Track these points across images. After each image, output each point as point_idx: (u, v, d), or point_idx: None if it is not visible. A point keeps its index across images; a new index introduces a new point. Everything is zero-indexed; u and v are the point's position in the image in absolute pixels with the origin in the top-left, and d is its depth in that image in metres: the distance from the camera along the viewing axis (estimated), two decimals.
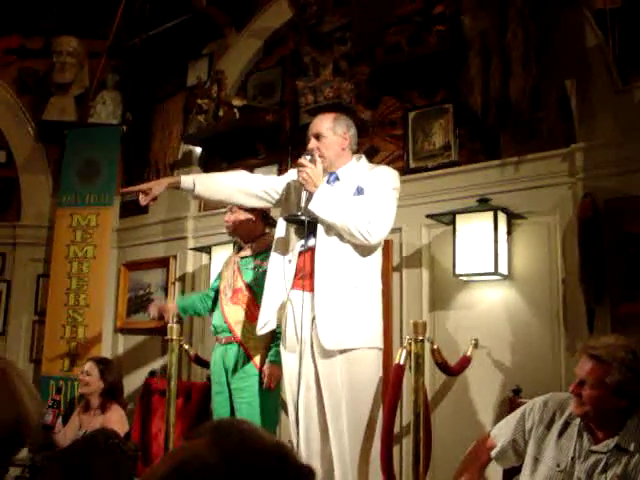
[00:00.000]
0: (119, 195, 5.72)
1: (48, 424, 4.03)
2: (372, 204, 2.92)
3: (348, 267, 2.93)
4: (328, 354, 2.89)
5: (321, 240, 2.95)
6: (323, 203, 2.89)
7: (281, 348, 3.15)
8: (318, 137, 3.10)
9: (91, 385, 4.05)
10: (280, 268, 3.09)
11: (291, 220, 3.07)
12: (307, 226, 2.97)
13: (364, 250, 2.95)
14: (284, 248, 3.12)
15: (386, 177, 3.06)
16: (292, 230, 3.11)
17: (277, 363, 3.46)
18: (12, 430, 1.30)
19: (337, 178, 3.10)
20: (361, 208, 2.89)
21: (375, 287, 3.02)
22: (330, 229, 2.93)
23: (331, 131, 3.10)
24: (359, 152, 3.34)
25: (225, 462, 0.79)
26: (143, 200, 3.18)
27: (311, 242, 3.00)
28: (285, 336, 3.08)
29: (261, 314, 3.14)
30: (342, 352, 2.89)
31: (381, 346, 3.02)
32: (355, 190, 3.00)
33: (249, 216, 3.74)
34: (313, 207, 2.89)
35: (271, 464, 0.81)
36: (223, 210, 4.05)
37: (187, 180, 3.23)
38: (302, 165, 2.96)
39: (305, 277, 2.99)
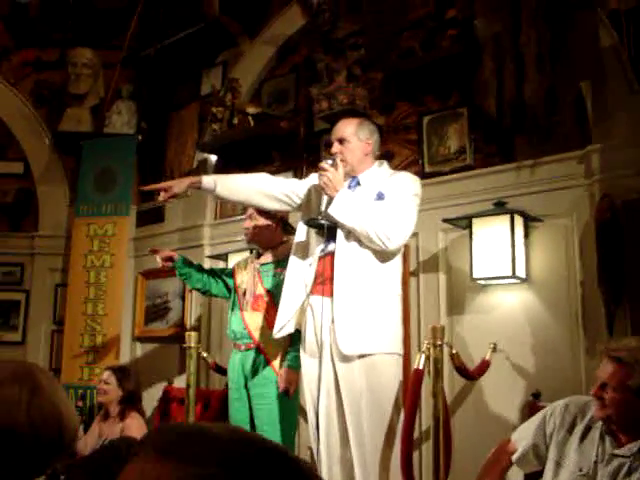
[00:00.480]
0: (136, 204, 5.76)
1: None
2: (392, 210, 2.91)
3: (367, 272, 2.92)
4: (347, 359, 2.89)
5: (341, 245, 2.94)
6: (343, 208, 2.88)
7: (301, 353, 3.14)
8: (342, 141, 3.10)
9: (109, 394, 4.07)
10: (299, 272, 3.08)
11: (311, 224, 3.06)
12: (327, 231, 2.98)
13: (384, 256, 2.94)
14: (304, 252, 3.12)
15: (407, 183, 3.05)
16: (312, 234, 3.11)
17: (293, 368, 3.47)
18: (54, 434, 1.32)
19: (358, 183, 3.09)
20: (381, 214, 2.88)
21: (394, 293, 3.00)
22: (350, 234, 2.92)
23: (355, 136, 3.09)
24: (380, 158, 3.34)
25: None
26: (162, 197, 3.20)
27: (331, 247, 2.99)
28: (305, 341, 3.08)
29: (278, 318, 3.14)
30: (361, 357, 2.88)
31: (401, 352, 3.00)
32: (376, 195, 2.99)
33: (268, 222, 3.74)
34: (333, 211, 2.89)
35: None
36: (239, 217, 4.06)
37: (208, 180, 3.23)
38: (323, 169, 2.94)
39: (325, 282, 2.98)
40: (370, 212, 2.89)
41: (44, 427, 1.30)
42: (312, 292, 3.03)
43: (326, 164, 2.96)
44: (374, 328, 2.89)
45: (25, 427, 1.28)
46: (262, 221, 3.74)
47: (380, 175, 3.11)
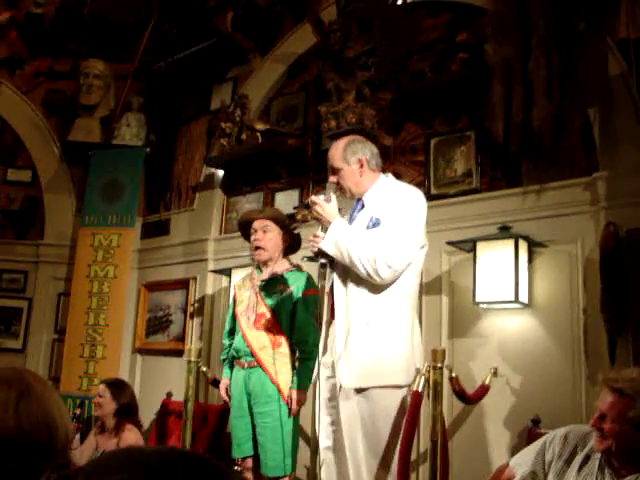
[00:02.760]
0: (141, 216, 5.79)
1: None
2: (385, 239, 2.80)
3: (360, 305, 2.84)
4: (346, 391, 2.86)
5: (336, 278, 2.91)
6: (332, 242, 2.83)
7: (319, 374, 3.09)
8: (335, 171, 3.07)
9: (104, 407, 4.06)
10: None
11: (313, 259, 3.04)
12: (327, 264, 2.93)
13: (376, 286, 2.84)
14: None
15: (404, 202, 2.91)
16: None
17: (302, 389, 3.47)
18: (44, 439, 1.32)
19: (363, 206, 3.02)
20: (371, 247, 2.78)
21: (394, 321, 2.86)
22: (345, 267, 2.88)
23: (344, 163, 3.01)
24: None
25: None
26: None
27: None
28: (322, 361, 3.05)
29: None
30: (358, 391, 2.83)
31: (401, 383, 2.85)
32: (369, 221, 2.91)
33: (282, 237, 3.77)
34: (323, 246, 2.84)
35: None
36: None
37: None
38: (313, 203, 2.91)
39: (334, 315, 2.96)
40: (360, 246, 2.79)
41: (33, 431, 1.30)
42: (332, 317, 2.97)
43: (316, 198, 2.91)
44: (371, 361, 2.80)
45: (12, 430, 1.28)
46: (277, 234, 3.75)
47: (383, 191, 3.01)
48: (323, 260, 2.91)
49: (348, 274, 2.88)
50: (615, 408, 2.10)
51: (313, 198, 2.92)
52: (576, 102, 3.46)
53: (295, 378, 3.53)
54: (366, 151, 3.06)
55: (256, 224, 3.77)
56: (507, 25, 3.66)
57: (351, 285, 2.88)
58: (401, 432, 2.88)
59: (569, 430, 2.36)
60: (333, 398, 2.94)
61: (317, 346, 3.14)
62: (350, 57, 4.27)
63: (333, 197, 2.94)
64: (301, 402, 3.51)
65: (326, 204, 2.89)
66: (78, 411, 4.37)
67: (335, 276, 2.91)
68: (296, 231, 3.93)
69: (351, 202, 3.11)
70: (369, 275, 2.78)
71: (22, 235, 5.97)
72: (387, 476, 2.87)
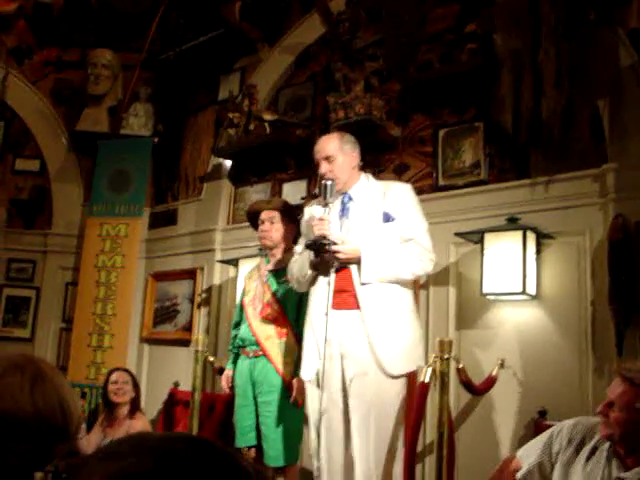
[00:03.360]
0: (149, 206, 5.80)
1: None
2: (419, 236, 2.99)
3: (372, 296, 2.94)
4: (362, 375, 2.89)
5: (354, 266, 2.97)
6: (373, 276, 2.91)
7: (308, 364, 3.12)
8: (329, 159, 3.08)
9: (127, 394, 4.10)
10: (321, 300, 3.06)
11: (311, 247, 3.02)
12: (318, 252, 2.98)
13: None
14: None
15: (409, 198, 3.10)
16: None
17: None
18: (58, 420, 1.34)
19: (350, 198, 3.09)
20: (408, 252, 2.96)
21: (405, 310, 3.03)
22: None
23: (341, 151, 3.08)
24: (385, 169, 3.35)
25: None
26: None
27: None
28: (315, 350, 3.05)
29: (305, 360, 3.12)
30: (372, 379, 2.89)
31: (412, 369, 3.05)
32: (383, 216, 3.01)
33: (289, 228, 3.78)
34: (367, 279, 2.91)
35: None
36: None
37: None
38: (336, 252, 2.92)
39: (348, 295, 2.97)
40: (398, 258, 2.94)
41: (48, 413, 1.33)
42: (337, 307, 2.99)
43: (331, 246, 2.92)
44: (402, 347, 2.93)
45: (29, 413, 1.30)
46: (285, 224, 3.77)
47: (372, 189, 3.11)
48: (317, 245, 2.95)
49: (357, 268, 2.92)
50: (624, 397, 2.10)
51: (339, 249, 2.92)
52: (586, 93, 3.44)
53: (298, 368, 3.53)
54: (357, 148, 3.20)
55: (263, 215, 3.79)
56: (516, 15, 3.64)
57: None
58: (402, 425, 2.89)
59: (577, 422, 2.36)
60: (343, 389, 2.95)
61: None
62: (358, 47, 4.26)
63: (339, 242, 2.97)
64: (302, 391, 3.50)
65: (344, 247, 2.91)
66: (82, 402, 4.40)
67: (354, 271, 2.95)
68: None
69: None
70: (415, 275, 3.03)
71: (30, 225, 5.99)
72: (392, 469, 2.88)
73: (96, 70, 5.79)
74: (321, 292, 3.03)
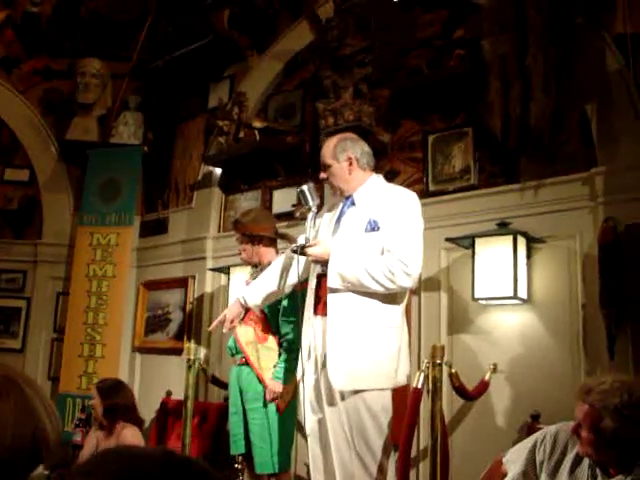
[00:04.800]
0: (139, 215, 5.78)
1: (78, 443, 4.01)
2: (397, 247, 2.80)
3: (356, 307, 2.84)
4: (336, 393, 2.85)
5: (331, 279, 2.88)
6: (338, 278, 2.83)
7: (306, 369, 3.10)
8: (325, 167, 3.08)
9: (96, 409, 4.06)
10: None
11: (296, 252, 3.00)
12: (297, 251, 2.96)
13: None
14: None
15: (402, 207, 2.91)
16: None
17: (279, 380, 3.47)
18: (29, 447, 1.28)
19: (353, 203, 3.02)
20: (382, 261, 2.79)
21: (391, 325, 2.88)
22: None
23: (334, 160, 3.02)
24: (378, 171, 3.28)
25: None
26: (227, 327, 3.40)
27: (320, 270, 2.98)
28: (306, 358, 3.04)
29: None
30: (348, 393, 2.83)
31: (392, 385, 2.87)
32: (367, 224, 2.89)
33: (249, 245, 3.81)
34: (330, 284, 2.84)
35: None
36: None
37: (249, 301, 3.38)
38: (304, 254, 2.93)
39: (322, 302, 2.94)
40: (368, 266, 2.79)
41: (20, 449, 1.23)
42: (315, 313, 2.99)
43: (300, 250, 2.92)
44: (360, 362, 2.80)
45: (5, 453, 1.20)
46: (247, 242, 3.82)
47: (376, 191, 3.01)
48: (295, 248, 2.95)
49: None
50: (588, 419, 2.08)
51: (307, 251, 2.92)
52: (573, 97, 3.46)
53: (275, 369, 3.53)
54: (356, 149, 3.06)
55: (237, 232, 3.88)
56: (504, 21, 3.66)
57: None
58: (388, 432, 2.86)
59: (559, 428, 2.35)
60: (318, 395, 2.94)
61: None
62: (347, 54, 4.28)
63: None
64: (276, 394, 3.49)
65: (315, 248, 2.90)
66: (83, 416, 4.37)
67: (331, 279, 2.89)
68: (282, 231, 4.00)
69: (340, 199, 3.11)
70: (386, 288, 2.79)
71: (20, 235, 5.97)
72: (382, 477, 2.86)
73: (85, 79, 5.79)
74: (308, 298, 3.05)
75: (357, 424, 2.81)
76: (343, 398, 2.82)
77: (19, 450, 1.23)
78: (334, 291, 2.86)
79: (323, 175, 3.08)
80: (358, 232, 2.90)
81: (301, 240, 2.99)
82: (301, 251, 2.92)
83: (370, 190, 3.03)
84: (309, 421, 2.97)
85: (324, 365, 2.87)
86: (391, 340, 2.86)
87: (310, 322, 2.98)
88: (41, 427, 1.28)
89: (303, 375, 2.98)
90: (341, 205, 3.07)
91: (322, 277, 2.95)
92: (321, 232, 3.08)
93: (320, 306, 2.96)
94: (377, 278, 2.77)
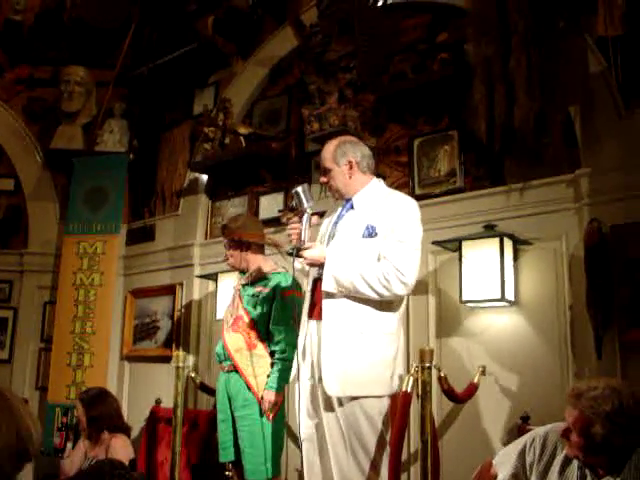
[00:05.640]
0: (126, 222, 5.77)
1: (57, 447, 3.98)
2: (394, 255, 2.80)
3: (352, 313, 2.85)
4: (332, 398, 2.86)
5: (325, 284, 2.88)
6: (332, 281, 2.82)
7: (299, 375, 3.09)
8: (326, 171, 3.07)
9: (81, 420, 4.03)
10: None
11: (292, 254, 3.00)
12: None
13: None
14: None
15: (401, 214, 2.90)
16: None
17: (275, 390, 3.46)
18: (15, 446, 1.29)
19: (352, 207, 3.01)
20: (379, 268, 2.78)
21: (385, 331, 2.88)
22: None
23: (334, 164, 3.02)
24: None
25: None
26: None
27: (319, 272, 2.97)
28: (302, 363, 3.03)
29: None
30: (345, 399, 2.83)
31: (388, 392, 2.88)
32: (365, 230, 2.89)
33: (237, 251, 3.80)
34: (324, 287, 2.83)
35: None
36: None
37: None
38: (300, 256, 2.91)
39: (317, 305, 2.95)
40: (364, 271, 2.79)
41: (6, 448, 1.28)
42: (310, 316, 3.00)
43: (303, 248, 2.91)
44: (353, 367, 2.80)
45: None
46: (235, 248, 3.80)
47: (375, 196, 3.00)
48: (297, 259, 2.95)
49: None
50: (577, 424, 2.09)
51: (303, 253, 2.89)
52: (557, 100, 3.48)
53: (270, 378, 3.53)
54: (357, 153, 3.05)
55: (225, 238, 3.86)
56: (487, 25, 3.67)
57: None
58: (387, 438, 2.87)
59: (548, 430, 2.36)
60: (314, 399, 2.94)
61: (293, 347, 3.17)
62: (332, 59, 4.28)
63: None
64: (272, 403, 3.49)
65: (311, 250, 2.88)
66: (64, 420, 4.33)
67: (326, 282, 2.89)
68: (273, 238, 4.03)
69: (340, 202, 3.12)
70: (381, 295, 2.79)
71: (6, 244, 5.93)
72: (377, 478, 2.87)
73: (69, 87, 5.77)
74: (305, 301, 3.06)
75: (354, 430, 2.81)
76: (341, 404, 2.83)
77: (6, 449, 1.25)
78: (329, 296, 2.86)
79: (324, 179, 3.08)
80: (355, 237, 2.90)
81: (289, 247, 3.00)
82: (297, 253, 2.92)
83: (370, 194, 3.02)
84: (305, 426, 2.97)
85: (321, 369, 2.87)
86: (386, 346, 2.87)
87: (305, 325, 3.00)
88: (24, 426, 1.30)
89: (298, 377, 2.96)
90: (340, 209, 3.08)
91: (318, 281, 2.95)
92: (319, 236, 3.08)
93: (315, 310, 2.96)
94: (372, 284, 2.77)
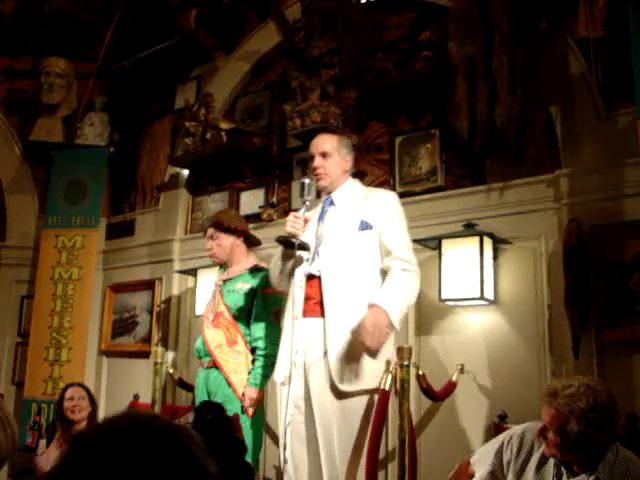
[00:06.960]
0: (105, 217, 5.72)
1: (28, 446, 3.96)
2: (403, 254, 2.99)
3: (352, 308, 2.90)
4: (327, 391, 2.88)
5: (325, 281, 2.95)
6: (399, 319, 2.91)
7: (276, 370, 3.11)
8: (324, 155, 3.10)
9: (84, 411, 4.01)
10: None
11: (283, 242, 3.03)
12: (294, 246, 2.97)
13: (365, 290, 2.95)
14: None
15: (392, 207, 3.10)
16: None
17: (255, 386, 3.46)
18: None
19: (332, 202, 3.09)
20: (404, 279, 2.95)
21: None
22: (334, 259, 2.98)
23: (337, 152, 3.12)
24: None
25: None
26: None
27: (313, 268, 3.00)
28: (282, 358, 3.05)
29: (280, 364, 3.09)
30: (342, 392, 2.87)
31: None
32: (359, 225, 3.00)
33: (231, 238, 3.76)
34: (399, 326, 2.94)
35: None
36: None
37: None
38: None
39: (315, 303, 2.98)
40: (401, 289, 2.94)
41: None
42: (305, 314, 3.00)
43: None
44: (360, 362, 2.89)
45: None
46: (224, 238, 3.75)
47: (354, 194, 3.10)
48: (294, 243, 2.95)
49: (340, 281, 2.90)
50: (554, 423, 2.11)
51: (367, 325, 2.83)
52: (538, 100, 3.49)
53: (251, 375, 3.52)
54: (352, 154, 3.25)
55: (208, 232, 3.81)
56: (470, 24, 3.68)
57: (343, 288, 2.90)
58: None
59: (525, 429, 2.38)
60: (306, 397, 2.94)
61: (274, 344, 3.18)
62: (314, 55, 4.27)
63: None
64: (253, 400, 3.49)
65: (369, 320, 2.81)
66: (38, 418, 4.30)
67: (324, 267, 2.93)
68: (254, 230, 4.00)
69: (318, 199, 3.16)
70: (418, 287, 3.06)
71: None
72: (356, 473, 2.89)
73: (49, 79, 5.69)
74: (292, 298, 3.06)
75: (349, 424, 2.87)
76: (339, 397, 2.86)
77: None
78: (331, 293, 2.92)
79: (319, 163, 3.10)
80: (350, 230, 3.00)
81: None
82: (287, 245, 2.97)
83: (348, 192, 3.14)
84: (293, 422, 2.97)
85: (307, 365, 2.92)
86: (389, 341, 2.95)
87: (295, 323, 2.99)
88: None
89: (290, 377, 2.97)
90: (321, 205, 3.14)
91: (311, 278, 2.96)
92: (306, 232, 3.09)
93: (307, 308, 2.98)
94: (414, 292, 2.99)
